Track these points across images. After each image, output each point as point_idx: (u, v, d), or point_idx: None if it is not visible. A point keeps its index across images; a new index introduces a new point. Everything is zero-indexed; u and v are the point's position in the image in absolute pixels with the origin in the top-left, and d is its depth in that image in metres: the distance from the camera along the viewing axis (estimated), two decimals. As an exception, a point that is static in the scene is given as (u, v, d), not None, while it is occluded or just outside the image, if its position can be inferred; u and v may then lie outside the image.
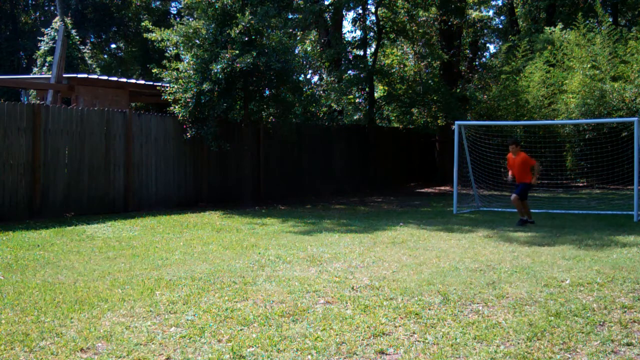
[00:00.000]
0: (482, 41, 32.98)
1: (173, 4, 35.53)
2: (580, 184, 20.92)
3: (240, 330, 4.46)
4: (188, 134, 14.34)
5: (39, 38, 23.75)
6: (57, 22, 22.67)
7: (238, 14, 13.99)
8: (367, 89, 22.13)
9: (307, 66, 20.78)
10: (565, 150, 20.92)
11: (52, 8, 33.07)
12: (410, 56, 26.46)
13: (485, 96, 23.13)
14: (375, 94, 23.69)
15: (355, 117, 28.41)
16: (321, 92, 19.47)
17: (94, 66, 27.15)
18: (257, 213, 13.24)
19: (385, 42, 24.35)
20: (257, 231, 10.16)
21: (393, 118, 26.20)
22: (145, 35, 15.97)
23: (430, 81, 23.09)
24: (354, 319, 4.69)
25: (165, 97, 14.65)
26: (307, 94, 16.57)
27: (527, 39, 24.26)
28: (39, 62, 22.55)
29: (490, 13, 32.78)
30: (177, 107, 14.31)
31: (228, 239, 9.11)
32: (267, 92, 15.52)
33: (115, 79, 17.49)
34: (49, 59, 21.44)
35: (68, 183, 12.37)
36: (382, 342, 4.20)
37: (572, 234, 9.43)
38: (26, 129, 11.69)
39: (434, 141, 25.97)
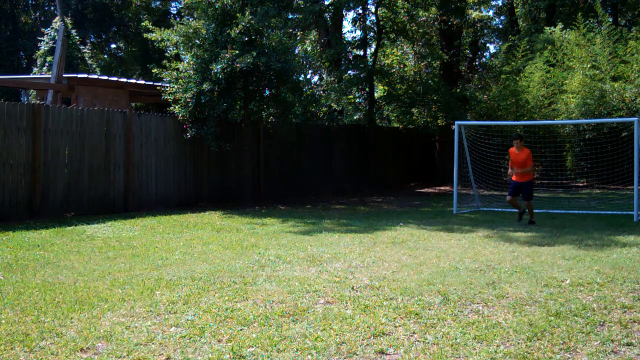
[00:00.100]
0: (482, 41, 32.97)
1: (173, 4, 35.55)
2: (580, 184, 20.92)
3: (240, 330, 4.46)
4: (188, 134, 14.34)
5: (39, 38, 23.75)
6: (57, 22, 22.66)
7: (238, 14, 13.99)
8: (367, 89, 22.13)
9: (307, 66, 20.77)
10: (565, 150, 20.92)
11: (52, 8, 33.07)
12: (410, 56, 26.45)
13: (485, 96, 23.13)
14: (375, 94, 23.69)
15: (355, 117, 28.41)
16: (321, 92, 19.47)
17: (94, 66, 27.15)
18: (257, 213, 13.24)
19: (385, 42, 24.34)
20: (257, 231, 10.17)
21: (393, 118, 26.20)
22: (145, 35, 15.97)
23: (430, 81, 23.08)
24: (354, 319, 4.69)
25: (165, 97, 14.65)
26: (307, 94, 16.57)
27: (527, 39, 24.26)
28: (39, 62, 22.55)
29: (490, 13, 32.80)
30: (177, 107, 14.31)
31: (228, 239, 9.11)
32: (267, 92, 15.52)
33: (115, 79, 17.49)
34: (49, 59, 21.44)
35: (68, 183, 12.37)
36: (382, 342, 4.20)
37: (572, 234, 9.43)
38: (26, 129, 11.69)
39: (434, 141, 25.97)
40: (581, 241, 8.56)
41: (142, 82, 18.01)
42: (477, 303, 5.14)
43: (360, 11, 21.90)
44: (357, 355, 3.99)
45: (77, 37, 23.67)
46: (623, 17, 30.53)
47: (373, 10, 22.12)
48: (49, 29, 23.05)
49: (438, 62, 24.33)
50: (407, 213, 13.28)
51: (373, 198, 18.23)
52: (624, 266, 6.57)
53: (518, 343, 4.16)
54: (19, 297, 5.44)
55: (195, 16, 15.38)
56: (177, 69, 14.40)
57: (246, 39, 14.11)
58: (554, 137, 19.96)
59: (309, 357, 3.95)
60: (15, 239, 8.98)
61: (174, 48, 15.16)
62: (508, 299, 5.24)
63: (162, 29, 14.90)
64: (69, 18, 24.82)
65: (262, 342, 4.17)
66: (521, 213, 11.10)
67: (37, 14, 35.31)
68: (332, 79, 20.68)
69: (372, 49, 23.29)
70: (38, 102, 17.19)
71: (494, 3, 32.43)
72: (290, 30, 18.73)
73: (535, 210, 13.13)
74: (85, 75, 16.30)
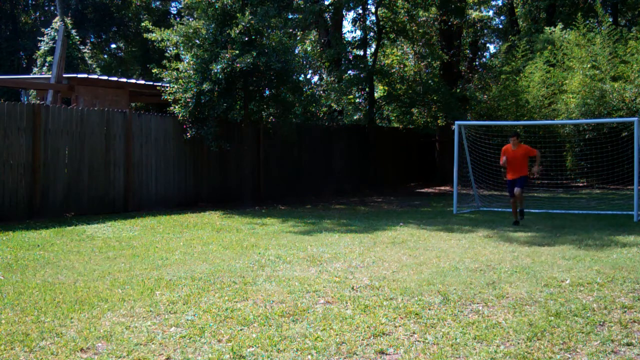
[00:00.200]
0: (482, 41, 32.98)
1: (173, 4, 35.55)
2: (580, 184, 20.92)
3: (240, 330, 4.46)
4: (188, 134, 14.34)
5: (39, 38, 23.75)
6: (57, 22, 22.66)
7: (238, 14, 14.00)
8: (367, 89, 22.13)
9: (307, 66, 20.75)
10: (565, 150, 20.92)
11: (52, 8, 33.06)
12: (410, 56, 26.44)
13: (485, 96, 23.13)
14: (375, 94, 23.68)
15: (355, 117, 28.41)
16: (321, 92, 19.47)
17: (94, 66, 27.14)
18: (257, 213, 13.24)
19: (385, 42, 24.34)
20: (257, 231, 10.17)
21: (393, 118, 26.20)
22: (145, 35, 15.98)
23: (430, 81, 23.08)
24: (354, 319, 4.69)
25: (165, 97, 14.66)
26: (307, 94, 16.57)
27: (527, 39, 24.27)
28: (39, 62, 22.55)
29: (490, 13, 32.80)
30: (177, 107, 14.32)
31: (228, 239, 9.11)
32: (267, 92, 15.53)
33: (115, 79, 17.49)
34: (49, 59, 21.44)
35: (68, 183, 12.37)
36: (382, 342, 4.20)
37: (572, 234, 9.43)
38: (26, 129, 11.69)
39: (434, 141, 25.97)
40: (581, 241, 8.56)
41: (142, 82, 18.02)
42: (477, 303, 5.14)
43: (360, 11, 21.90)
44: (357, 355, 3.99)
45: (77, 37, 23.67)
46: (623, 17, 30.53)
47: (373, 10, 22.12)
48: (49, 29, 23.05)
49: (438, 62, 24.32)
50: (407, 213, 13.28)
51: (373, 198, 18.23)
52: (624, 266, 6.57)
53: (518, 343, 4.16)
54: (19, 297, 5.44)
55: (195, 16, 15.38)
56: (177, 69, 14.40)
57: (246, 39, 14.11)
58: (554, 137, 19.95)
59: (309, 357, 3.95)
60: (15, 239, 8.98)
61: (174, 48, 15.16)
62: (508, 299, 5.24)
63: (162, 29, 14.91)
64: (69, 18, 24.82)
65: (262, 342, 4.17)
66: (516, 221, 10.86)
67: (37, 14, 35.32)
68: (332, 79, 20.68)
69: (372, 49, 23.29)
70: (38, 102, 17.19)
71: (494, 3, 32.45)
72: (290, 30, 18.73)
73: (535, 210, 13.16)
74: (85, 75, 16.31)
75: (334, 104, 21.34)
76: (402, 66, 25.56)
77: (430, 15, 24.75)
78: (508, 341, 4.21)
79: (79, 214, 12.30)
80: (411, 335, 4.35)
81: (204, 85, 13.59)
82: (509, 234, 9.60)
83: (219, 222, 11.40)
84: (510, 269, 6.49)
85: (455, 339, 4.24)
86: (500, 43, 31.48)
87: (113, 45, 36.83)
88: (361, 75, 20.75)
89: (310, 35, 25.89)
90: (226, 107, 14.48)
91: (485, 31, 31.68)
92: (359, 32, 22.72)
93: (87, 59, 24.65)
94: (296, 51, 18.62)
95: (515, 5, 30.76)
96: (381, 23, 21.74)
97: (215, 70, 13.43)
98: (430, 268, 6.64)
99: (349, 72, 21.25)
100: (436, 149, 26.30)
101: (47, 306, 5.11)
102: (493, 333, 4.35)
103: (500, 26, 33.05)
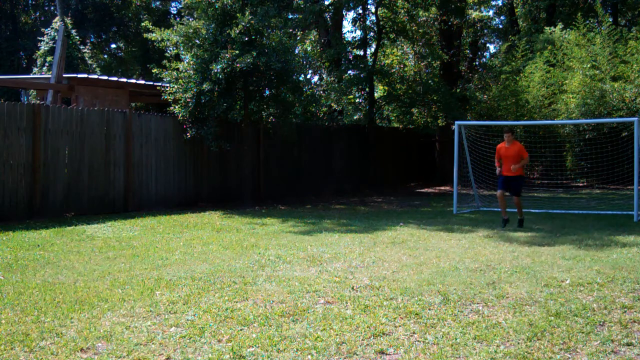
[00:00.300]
0: (482, 41, 32.97)
1: (173, 4, 35.55)
2: (580, 184, 20.92)
3: (240, 330, 4.46)
4: (188, 134, 14.34)
5: (39, 38, 23.74)
6: (57, 22, 22.66)
7: (238, 14, 14.00)
8: (367, 89, 22.12)
9: (307, 66, 20.76)
10: (565, 150, 20.92)
11: (52, 8, 33.06)
12: (410, 56, 26.45)
13: (485, 96, 23.12)
14: (375, 94, 23.68)
15: (355, 117, 28.41)
16: (321, 92, 19.47)
17: (94, 66, 27.13)
18: (257, 213, 13.24)
19: (385, 42, 24.34)
20: (257, 231, 10.17)
21: (393, 118, 26.20)
22: (145, 35, 15.98)
23: (430, 81, 23.08)
24: (354, 319, 4.69)
25: (165, 97, 14.66)
26: (307, 94, 16.58)
27: (527, 39, 24.26)
28: (39, 62, 22.55)
29: (490, 13, 32.79)
30: (177, 107, 14.32)
31: (228, 239, 9.11)
32: (267, 92, 15.52)
33: (115, 79, 17.49)
34: (49, 59, 21.44)
35: (68, 183, 12.37)
36: (382, 342, 4.20)
37: (572, 234, 9.43)
38: (26, 129, 11.69)
39: (434, 141, 25.96)
40: (581, 241, 8.56)
41: (142, 82, 18.02)
42: (477, 303, 5.14)
43: (360, 11, 21.90)
44: (357, 355, 3.99)
45: (77, 37, 23.66)
46: (623, 17, 30.53)
47: (373, 10, 22.12)
48: (49, 29, 23.05)
49: (438, 62, 24.33)
50: (407, 213, 13.28)
51: (373, 198, 18.23)
52: (624, 266, 6.57)
53: (518, 343, 4.16)
54: (19, 297, 5.44)
55: (195, 16, 15.38)
56: (177, 69, 14.40)
57: (246, 39, 14.11)
58: (554, 137, 19.95)
59: (309, 357, 3.95)
60: (15, 239, 8.98)
61: (174, 48, 15.16)
62: (508, 299, 5.24)
63: (162, 29, 14.91)
64: (69, 18, 24.82)
65: (262, 342, 4.17)
66: (505, 220, 10.43)
67: (37, 14, 35.32)
68: (332, 79, 20.68)
69: (372, 49, 23.29)
70: (38, 102, 17.19)
71: (494, 3, 32.44)
72: (290, 30, 18.72)
73: (535, 211, 13.15)
74: (85, 75, 16.31)
75: (334, 104, 21.34)
76: (402, 66, 25.58)
77: (430, 15, 24.76)
78: (508, 341, 4.21)
79: (79, 214, 12.30)
80: (411, 335, 4.35)
81: (204, 85, 13.59)
82: (509, 234, 9.60)
83: (219, 222, 11.40)
84: (510, 269, 6.49)
85: (455, 339, 4.24)
86: (500, 43, 31.48)
87: (113, 45, 36.85)
88: (361, 75, 20.75)
89: (310, 35, 25.89)
90: (226, 107, 14.48)
91: (485, 31, 31.67)
92: (359, 32, 22.74)
93: (87, 59, 24.65)
94: (296, 51, 18.62)
95: (515, 5, 30.76)
96: (381, 23, 21.74)
97: (215, 70, 13.43)
98: (430, 268, 6.64)
99: (349, 72, 21.25)
100: (436, 149, 26.30)
101: (47, 306, 5.11)
102: (493, 333, 4.35)
103: (500, 26, 33.04)
